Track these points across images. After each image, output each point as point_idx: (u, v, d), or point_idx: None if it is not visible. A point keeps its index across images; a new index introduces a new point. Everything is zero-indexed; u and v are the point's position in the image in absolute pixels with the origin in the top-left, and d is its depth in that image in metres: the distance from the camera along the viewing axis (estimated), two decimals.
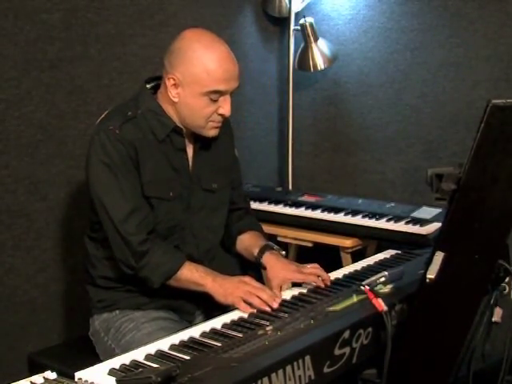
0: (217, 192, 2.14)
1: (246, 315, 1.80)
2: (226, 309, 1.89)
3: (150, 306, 2.04)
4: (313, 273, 2.01)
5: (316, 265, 2.04)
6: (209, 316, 1.93)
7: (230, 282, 1.92)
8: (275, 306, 1.83)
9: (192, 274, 1.94)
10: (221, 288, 1.90)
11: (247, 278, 1.92)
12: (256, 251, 2.09)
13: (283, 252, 2.13)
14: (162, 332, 1.85)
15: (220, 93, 1.95)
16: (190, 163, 2.08)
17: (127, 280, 2.01)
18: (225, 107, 1.98)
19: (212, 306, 1.95)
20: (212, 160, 2.14)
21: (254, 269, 2.16)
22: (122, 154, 1.94)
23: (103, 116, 2.05)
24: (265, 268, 2.07)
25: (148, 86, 2.09)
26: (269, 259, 2.06)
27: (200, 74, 1.93)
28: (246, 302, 1.84)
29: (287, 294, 1.95)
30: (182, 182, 2.06)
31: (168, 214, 2.03)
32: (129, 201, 1.95)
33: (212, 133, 2.04)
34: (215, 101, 1.96)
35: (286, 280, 2.01)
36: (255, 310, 1.82)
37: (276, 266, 2.03)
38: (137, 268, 1.95)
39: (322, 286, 1.97)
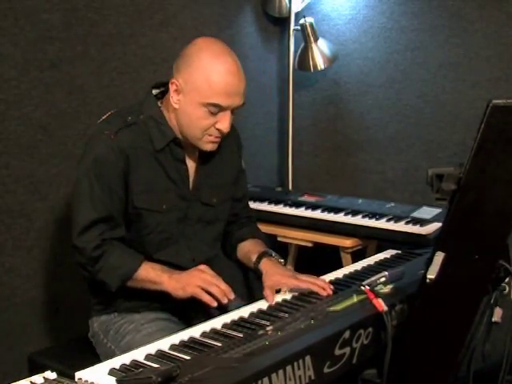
0: (216, 206, 2.11)
1: (246, 315, 1.80)
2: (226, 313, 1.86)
3: (147, 308, 2.02)
4: (308, 280, 1.94)
5: (312, 276, 1.98)
6: (208, 318, 1.89)
7: (186, 273, 1.90)
8: (225, 301, 1.82)
9: (148, 274, 1.92)
10: (177, 283, 1.88)
11: (203, 266, 1.91)
12: (254, 257, 2.06)
13: (282, 260, 2.07)
14: (163, 333, 1.83)
15: (220, 107, 1.89)
16: (191, 176, 2.04)
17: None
18: (223, 123, 1.91)
19: (209, 310, 1.92)
20: (215, 174, 2.09)
21: (257, 279, 2.09)
22: (109, 162, 1.90)
23: (104, 118, 2.01)
24: (261, 274, 2.01)
25: (154, 91, 2.03)
26: (265, 265, 2.02)
27: (201, 84, 1.88)
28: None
29: (287, 295, 1.95)
30: (179, 193, 2.02)
31: (159, 225, 1.99)
32: (97, 210, 1.91)
33: (208, 147, 1.97)
34: (214, 114, 1.90)
35: (279, 284, 1.95)
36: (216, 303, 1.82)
37: (271, 270, 1.99)
38: (93, 272, 1.93)
39: (322, 292, 1.90)
